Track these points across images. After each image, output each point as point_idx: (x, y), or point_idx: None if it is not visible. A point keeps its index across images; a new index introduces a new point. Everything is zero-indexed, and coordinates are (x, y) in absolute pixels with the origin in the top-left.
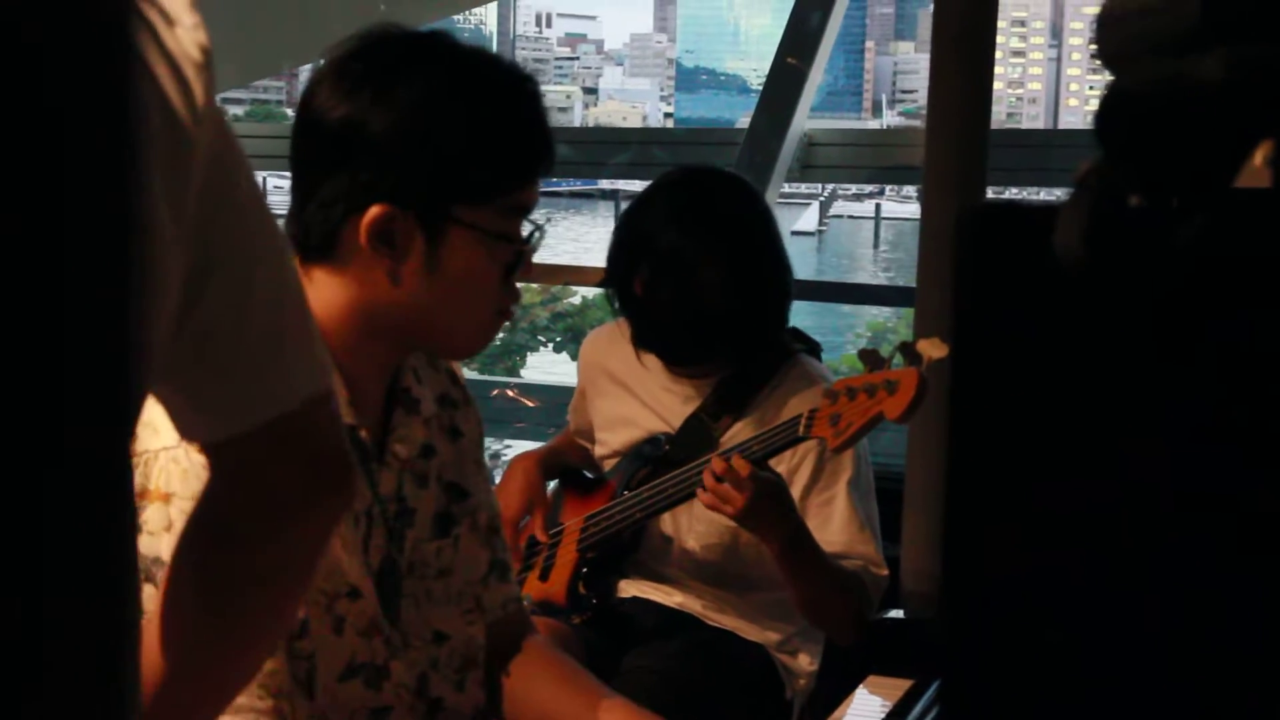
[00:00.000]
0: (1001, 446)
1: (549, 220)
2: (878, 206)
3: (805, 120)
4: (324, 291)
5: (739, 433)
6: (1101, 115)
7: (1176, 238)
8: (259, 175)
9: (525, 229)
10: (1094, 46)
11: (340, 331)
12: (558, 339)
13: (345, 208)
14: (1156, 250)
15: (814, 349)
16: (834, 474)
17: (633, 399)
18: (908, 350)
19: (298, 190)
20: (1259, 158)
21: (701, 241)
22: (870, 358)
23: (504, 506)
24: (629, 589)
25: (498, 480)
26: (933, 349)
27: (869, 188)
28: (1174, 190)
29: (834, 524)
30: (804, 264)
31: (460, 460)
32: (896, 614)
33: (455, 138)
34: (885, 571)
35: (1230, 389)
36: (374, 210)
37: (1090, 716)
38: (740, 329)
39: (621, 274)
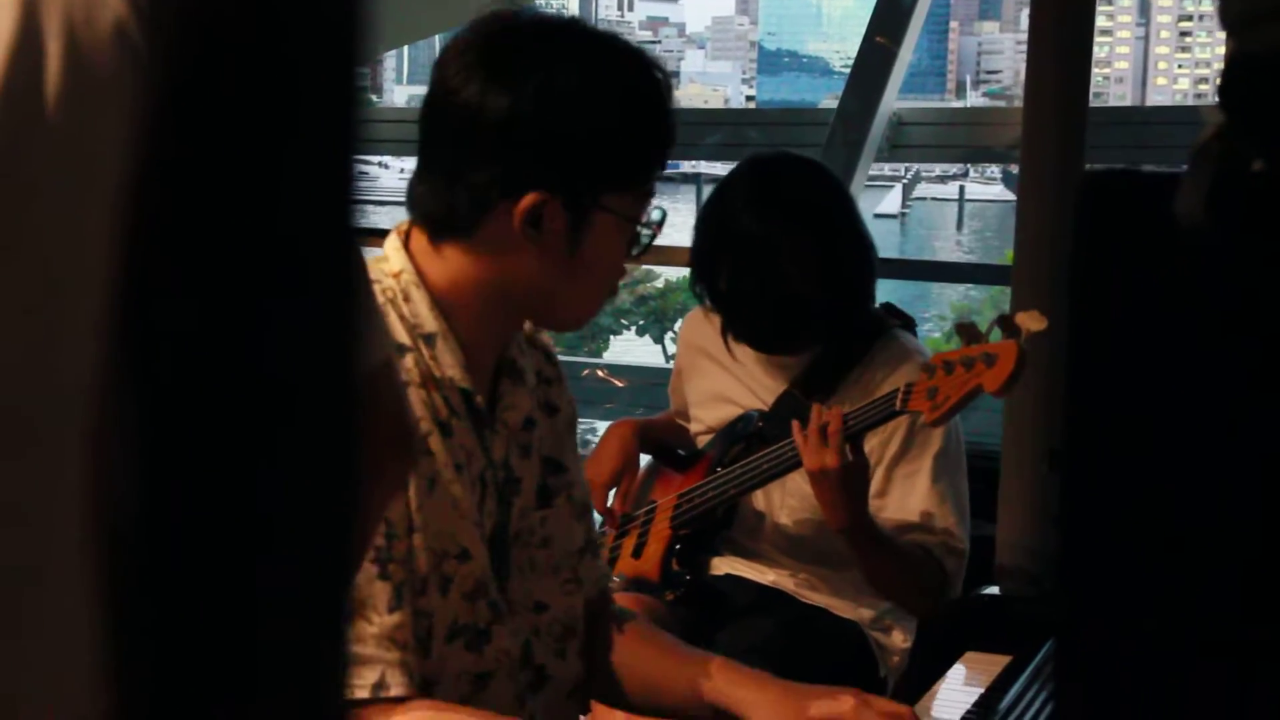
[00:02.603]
0: (1119, 417)
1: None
2: (961, 188)
3: (894, 100)
4: (455, 266)
5: (837, 408)
6: (1224, 80)
7: None
8: None
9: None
10: (1213, 13)
11: (467, 304)
12: (640, 322)
13: (500, 193)
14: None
15: (909, 324)
16: (923, 446)
17: (728, 376)
18: (1006, 323)
19: (436, 172)
20: None
21: (776, 228)
22: (967, 332)
23: (597, 471)
24: (722, 566)
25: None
26: (1031, 321)
27: (953, 169)
28: None
29: (916, 496)
30: (887, 247)
31: (556, 436)
32: (992, 590)
33: (610, 128)
34: (964, 546)
35: None
36: (529, 198)
37: (1207, 696)
38: (824, 313)
39: (705, 266)
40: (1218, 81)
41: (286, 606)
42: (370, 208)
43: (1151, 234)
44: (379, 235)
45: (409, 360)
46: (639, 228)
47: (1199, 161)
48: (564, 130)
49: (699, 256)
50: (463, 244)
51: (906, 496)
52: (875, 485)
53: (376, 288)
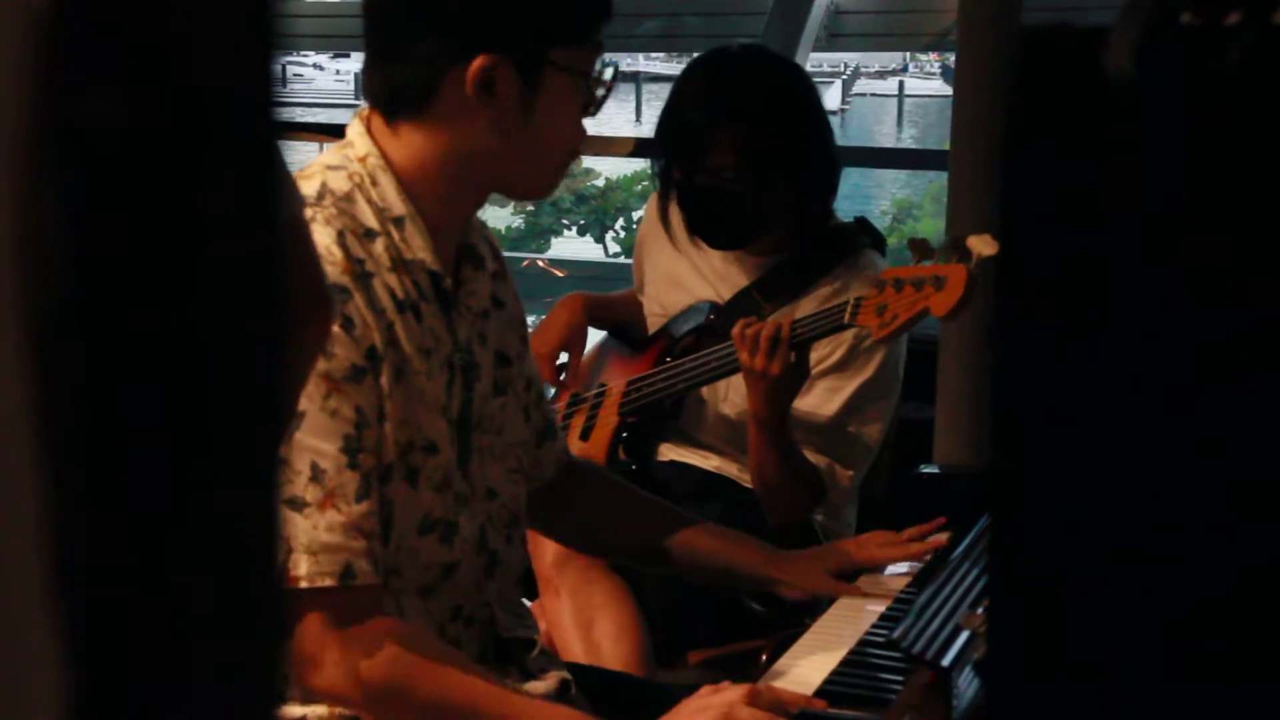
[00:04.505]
0: (1053, 276)
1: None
2: (901, 84)
3: None
4: (414, 145)
5: (788, 316)
6: None
7: (1228, 56)
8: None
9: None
10: None
11: (429, 183)
12: (581, 222)
13: (447, 61)
14: (1208, 69)
15: (879, 243)
16: (855, 371)
17: (685, 261)
18: (957, 246)
19: (380, 51)
20: None
21: (712, 119)
22: (920, 247)
23: (543, 342)
24: (667, 453)
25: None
26: (983, 245)
27: (892, 64)
28: (1226, 7)
29: (826, 410)
30: None
31: (503, 330)
32: (932, 469)
33: None
34: (850, 473)
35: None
36: (478, 61)
37: (1138, 571)
38: (770, 210)
39: (664, 165)
40: None
41: (216, 456)
42: (306, 110)
43: (1092, 88)
44: (318, 131)
45: (379, 245)
46: (591, 85)
47: (1129, 13)
48: None
49: (654, 151)
50: (418, 121)
51: (820, 406)
52: None
53: (343, 174)
